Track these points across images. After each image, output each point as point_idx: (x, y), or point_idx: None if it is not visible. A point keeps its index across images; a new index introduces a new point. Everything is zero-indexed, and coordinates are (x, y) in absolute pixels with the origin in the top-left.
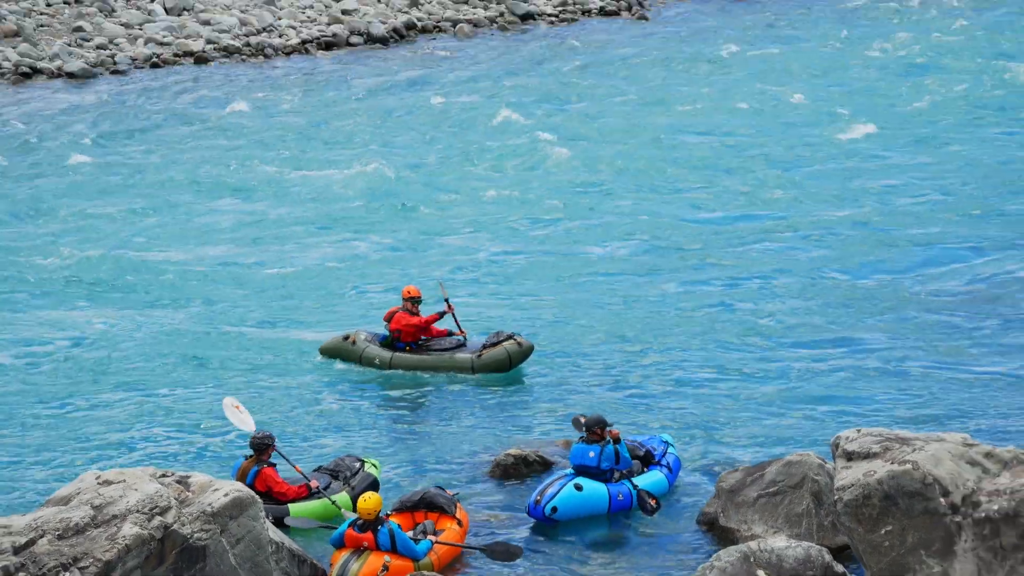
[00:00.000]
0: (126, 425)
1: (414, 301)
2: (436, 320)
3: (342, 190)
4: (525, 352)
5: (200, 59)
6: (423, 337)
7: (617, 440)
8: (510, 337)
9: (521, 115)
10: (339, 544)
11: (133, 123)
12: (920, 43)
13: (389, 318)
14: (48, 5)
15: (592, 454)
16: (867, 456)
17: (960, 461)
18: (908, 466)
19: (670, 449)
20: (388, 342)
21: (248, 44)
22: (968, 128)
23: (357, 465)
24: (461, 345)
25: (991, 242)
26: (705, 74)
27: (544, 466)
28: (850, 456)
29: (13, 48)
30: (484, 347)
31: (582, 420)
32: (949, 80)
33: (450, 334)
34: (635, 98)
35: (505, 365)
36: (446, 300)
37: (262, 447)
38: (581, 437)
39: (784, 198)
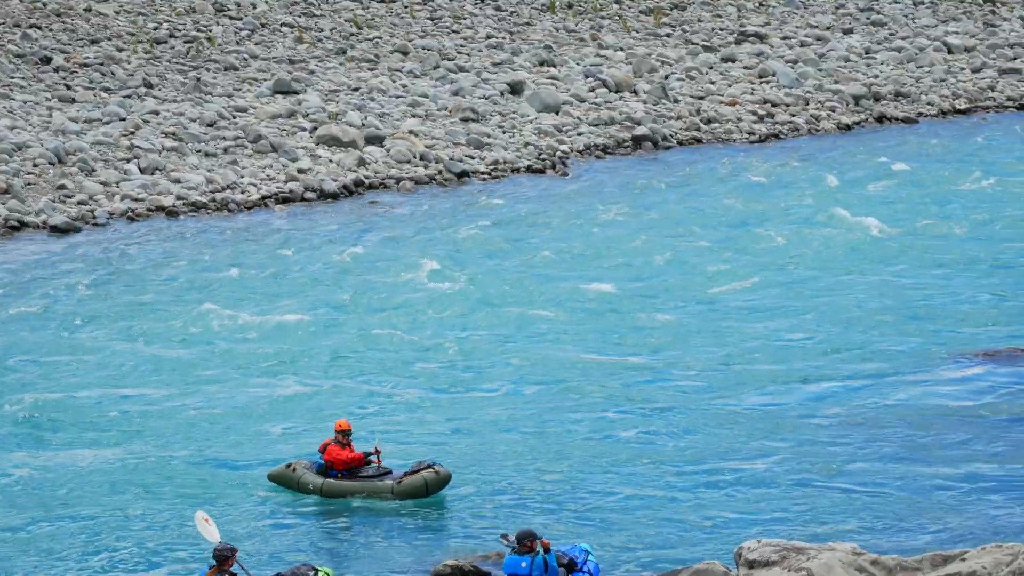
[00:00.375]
0: (97, 543)
1: (344, 434)
2: (361, 459)
3: (285, 334)
4: (442, 480)
5: (171, 213)
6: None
7: (547, 550)
8: (429, 466)
9: (444, 264)
10: None
11: (109, 271)
12: (803, 200)
13: (323, 449)
14: (35, 166)
15: (524, 564)
16: (767, 564)
17: (850, 569)
18: (803, 573)
19: (590, 557)
20: (323, 470)
21: (214, 200)
22: (823, 275)
23: (311, 574)
24: (386, 473)
25: (856, 374)
26: (610, 226)
27: None
28: (751, 564)
29: (3, 204)
30: (404, 475)
31: (509, 536)
32: (815, 234)
33: (368, 462)
34: (548, 250)
35: (422, 492)
36: (377, 451)
37: (223, 557)
38: (513, 548)
39: (674, 338)
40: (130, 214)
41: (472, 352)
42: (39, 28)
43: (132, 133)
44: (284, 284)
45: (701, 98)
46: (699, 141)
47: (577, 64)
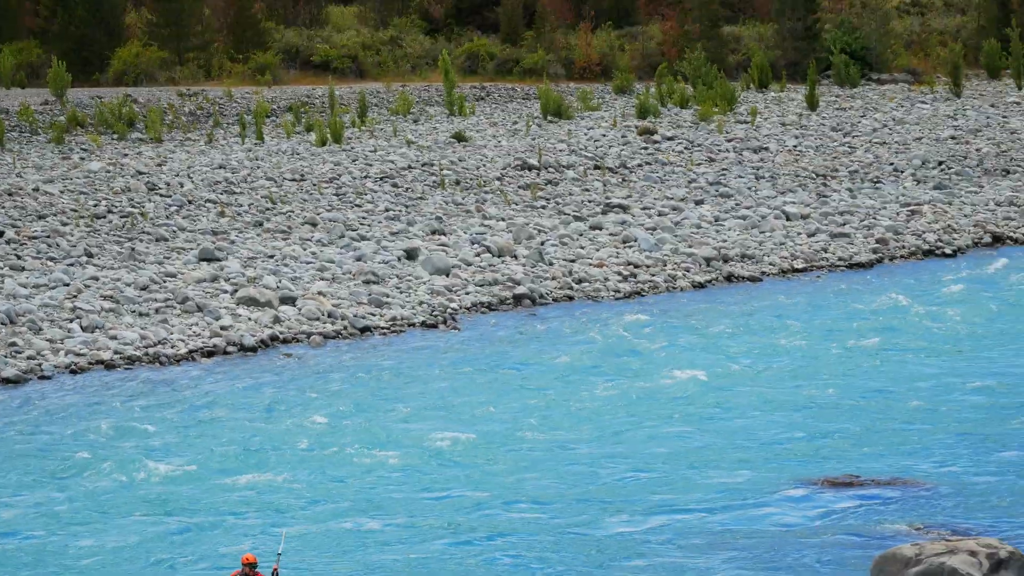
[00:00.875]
0: None
1: (251, 566)
2: None
3: (181, 478)
4: None
5: (109, 365)
6: None
7: None
8: None
9: (337, 409)
10: None
11: (53, 419)
12: (656, 349)
13: None
14: None
15: None
16: None
17: None
18: None
19: None
20: None
21: (147, 353)
22: (673, 415)
23: None
24: None
25: (697, 504)
26: (488, 374)
27: None
28: None
29: None
30: None
31: None
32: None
33: None
34: (429, 397)
35: None
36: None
37: None
38: None
39: (516, 479)
40: (73, 367)
41: (356, 508)
42: None
43: (75, 296)
44: (203, 429)
45: (573, 261)
46: (571, 298)
47: (464, 232)
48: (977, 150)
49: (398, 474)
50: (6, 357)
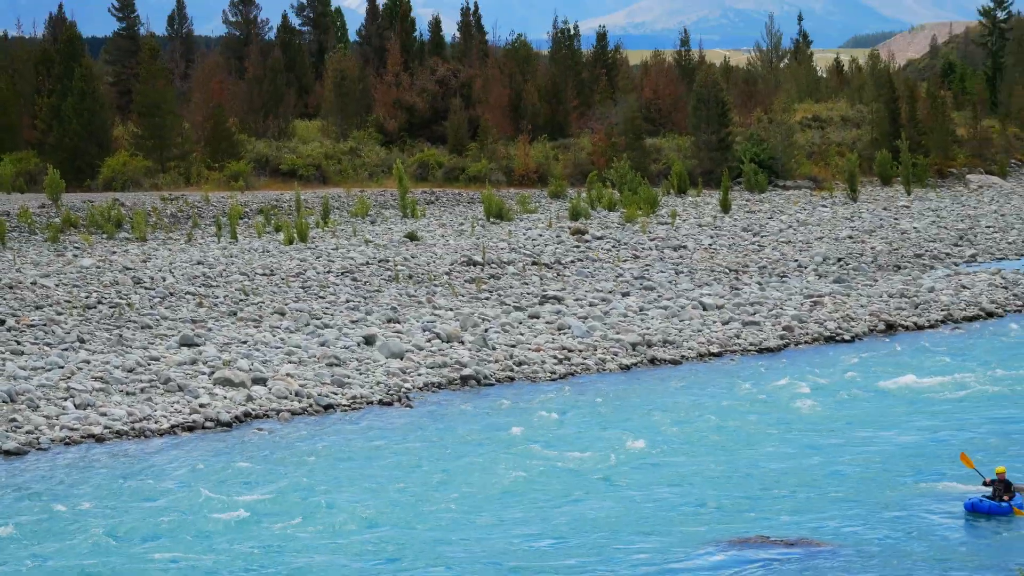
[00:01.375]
0: None
1: None
2: None
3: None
4: None
5: (99, 439)
6: None
7: None
8: None
9: (293, 489)
10: None
11: (47, 487)
12: (583, 426)
13: None
14: None
15: None
16: None
17: None
18: None
19: None
20: None
21: (133, 428)
22: (595, 487)
23: None
24: None
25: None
26: (436, 455)
27: None
28: None
29: None
30: None
31: None
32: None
33: None
34: (381, 476)
35: None
36: None
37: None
38: None
39: (416, 553)
40: (67, 440)
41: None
42: None
43: (69, 378)
44: (177, 500)
45: (513, 346)
46: (512, 379)
47: (416, 321)
48: (872, 248)
49: (344, 541)
50: (7, 431)
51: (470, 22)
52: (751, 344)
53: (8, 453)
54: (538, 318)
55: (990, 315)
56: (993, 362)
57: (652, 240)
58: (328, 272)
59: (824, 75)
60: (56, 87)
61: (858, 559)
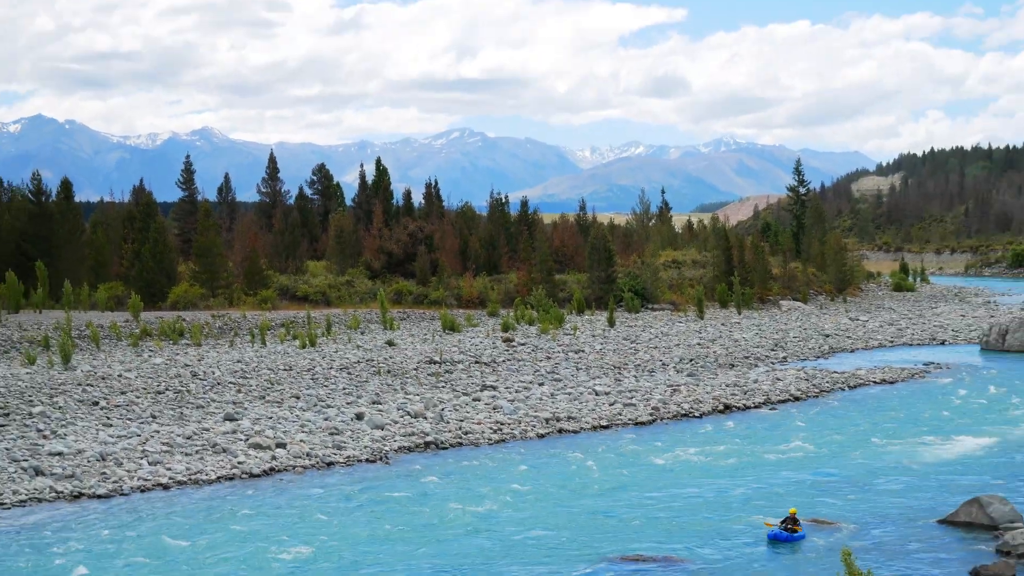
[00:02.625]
0: None
1: None
2: None
3: None
4: None
5: (165, 487)
6: None
7: None
8: None
9: (310, 528)
10: None
11: (127, 522)
12: (502, 489)
13: None
14: (87, 461)
15: None
16: None
17: None
18: None
19: None
20: None
21: (189, 479)
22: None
23: None
24: None
25: None
26: (405, 498)
27: None
28: None
29: (69, 482)
30: None
31: None
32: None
33: None
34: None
35: None
36: None
37: None
38: None
39: None
40: (142, 487)
41: None
42: (91, 385)
43: (144, 443)
44: (225, 536)
45: (462, 420)
46: (461, 444)
47: (393, 403)
48: (714, 352)
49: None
50: (100, 481)
51: (432, 193)
52: (629, 419)
53: (99, 496)
54: (479, 400)
55: (797, 399)
56: (802, 433)
57: (560, 346)
58: (330, 368)
59: (680, 231)
60: (138, 237)
61: (707, 570)
